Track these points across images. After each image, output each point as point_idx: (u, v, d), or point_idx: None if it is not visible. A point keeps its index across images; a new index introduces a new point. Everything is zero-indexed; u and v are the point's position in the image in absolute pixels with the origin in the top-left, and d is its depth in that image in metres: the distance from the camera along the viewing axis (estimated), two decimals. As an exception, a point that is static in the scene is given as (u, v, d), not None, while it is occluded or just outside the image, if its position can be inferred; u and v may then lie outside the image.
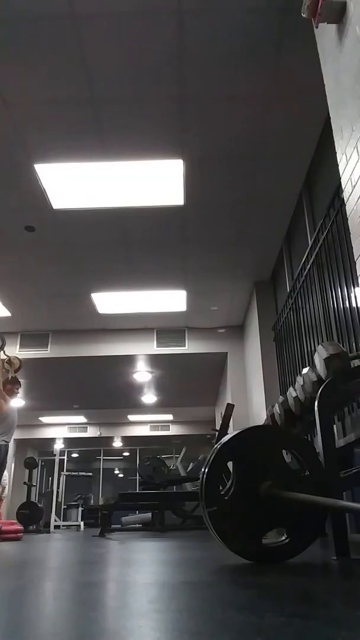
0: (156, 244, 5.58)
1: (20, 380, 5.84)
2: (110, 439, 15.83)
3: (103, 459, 17.18)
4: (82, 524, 9.78)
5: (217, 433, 5.33)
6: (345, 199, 2.20)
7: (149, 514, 7.84)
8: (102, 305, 7.13)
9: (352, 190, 2.10)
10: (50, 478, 14.86)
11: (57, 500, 9.31)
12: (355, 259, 2.09)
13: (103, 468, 17.13)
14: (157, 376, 9.41)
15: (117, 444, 16.31)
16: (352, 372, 2.23)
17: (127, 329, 7.93)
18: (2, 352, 5.63)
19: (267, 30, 3.13)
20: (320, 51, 2.51)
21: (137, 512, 9.31)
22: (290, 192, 4.79)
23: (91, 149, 4.09)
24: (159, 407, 12.23)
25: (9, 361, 5.73)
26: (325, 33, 2.37)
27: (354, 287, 3.35)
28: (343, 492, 2.04)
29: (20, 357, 5.98)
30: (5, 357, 5.65)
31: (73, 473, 13.43)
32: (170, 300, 7.04)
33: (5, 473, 6.32)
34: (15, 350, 7.89)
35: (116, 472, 18.94)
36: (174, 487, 9.15)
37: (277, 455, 1.90)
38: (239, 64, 3.36)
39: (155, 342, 7.95)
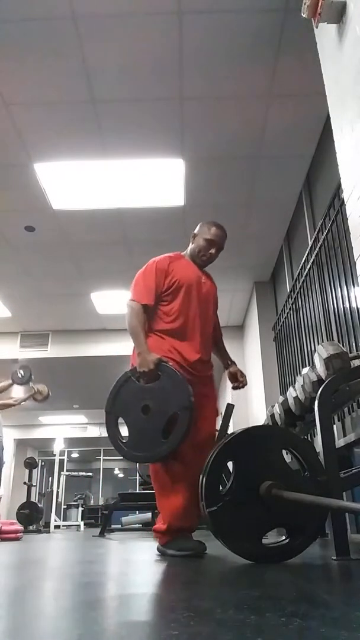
0: (156, 244, 5.56)
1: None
2: (110, 439, 15.81)
3: (103, 459, 17.18)
4: (82, 524, 9.77)
5: (217, 433, 5.32)
6: (345, 199, 2.20)
7: (149, 514, 7.82)
8: (102, 306, 7.12)
9: (352, 190, 2.10)
10: (50, 478, 14.86)
11: (57, 500, 9.30)
12: (355, 259, 2.09)
13: (103, 468, 17.14)
14: (157, 376, 9.39)
15: (117, 443, 16.28)
16: (352, 372, 2.23)
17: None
18: (30, 383, 5.89)
19: (267, 30, 3.13)
20: (320, 51, 2.51)
21: (137, 512, 9.30)
22: (290, 192, 4.79)
23: (91, 149, 4.10)
24: (159, 407, 12.21)
25: (38, 391, 5.96)
26: (325, 33, 2.37)
27: (354, 287, 3.35)
28: (343, 492, 2.04)
29: (47, 388, 6.12)
30: (34, 389, 5.89)
31: (73, 473, 13.41)
32: (170, 300, 7.01)
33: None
34: (15, 350, 7.90)
35: (116, 472, 18.95)
36: (174, 487, 9.12)
37: (277, 455, 1.90)
38: (239, 63, 3.36)
39: (155, 342, 7.93)
